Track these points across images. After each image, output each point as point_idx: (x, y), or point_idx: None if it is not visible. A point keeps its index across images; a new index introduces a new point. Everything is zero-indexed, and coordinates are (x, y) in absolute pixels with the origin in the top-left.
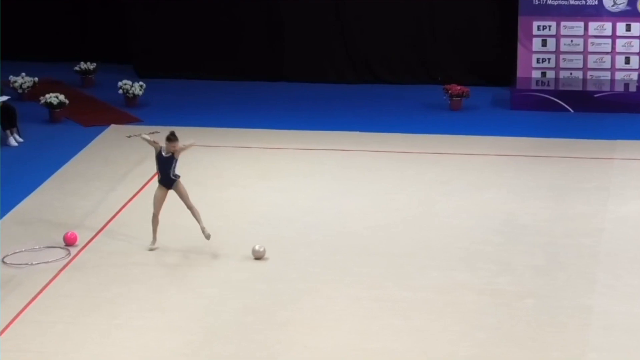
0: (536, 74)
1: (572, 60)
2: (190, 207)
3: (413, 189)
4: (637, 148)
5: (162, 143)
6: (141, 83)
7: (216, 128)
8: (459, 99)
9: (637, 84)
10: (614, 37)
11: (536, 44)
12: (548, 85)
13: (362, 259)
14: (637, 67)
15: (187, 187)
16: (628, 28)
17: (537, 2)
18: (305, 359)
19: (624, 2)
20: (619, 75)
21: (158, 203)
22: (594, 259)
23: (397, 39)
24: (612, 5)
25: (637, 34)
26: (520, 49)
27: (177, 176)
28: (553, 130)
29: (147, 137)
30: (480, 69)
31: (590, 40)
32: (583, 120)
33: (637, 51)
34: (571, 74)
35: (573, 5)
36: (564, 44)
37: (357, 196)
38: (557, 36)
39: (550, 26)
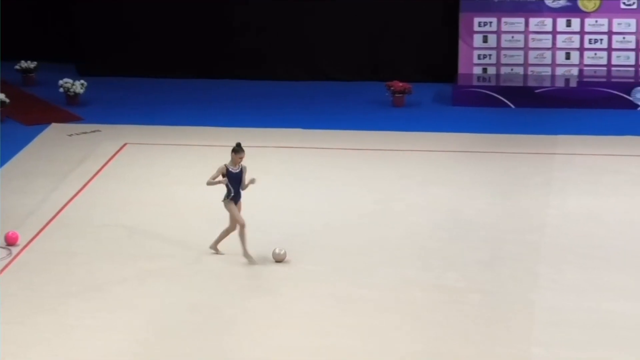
0: (477, 70)
1: (512, 56)
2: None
3: (363, 186)
4: (579, 143)
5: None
6: (82, 81)
7: (162, 126)
8: (401, 95)
9: (577, 79)
10: (554, 32)
11: (477, 40)
12: (489, 81)
13: (315, 257)
14: (577, 62)
15: (134, 184)
16: (568, 24)
17: None
18: (257, 357)
19: None
20: (559, 71)
21: (239, 215)
22: (539, 254)
23: (345, 36)
24: (553, 1)
25: (578, 30)
26: (461, 45)
27: (228, 197)
28: (495, 126)
29: (216, 180)
30: (427, 65)
31: (530, 36)
32: (524, 116)
33: (578, 47)
34: (512, 69)
35: (514, 1)
36: (505, 40)
37: (308, 193)
38: (498, 32)
39: (491, 22)
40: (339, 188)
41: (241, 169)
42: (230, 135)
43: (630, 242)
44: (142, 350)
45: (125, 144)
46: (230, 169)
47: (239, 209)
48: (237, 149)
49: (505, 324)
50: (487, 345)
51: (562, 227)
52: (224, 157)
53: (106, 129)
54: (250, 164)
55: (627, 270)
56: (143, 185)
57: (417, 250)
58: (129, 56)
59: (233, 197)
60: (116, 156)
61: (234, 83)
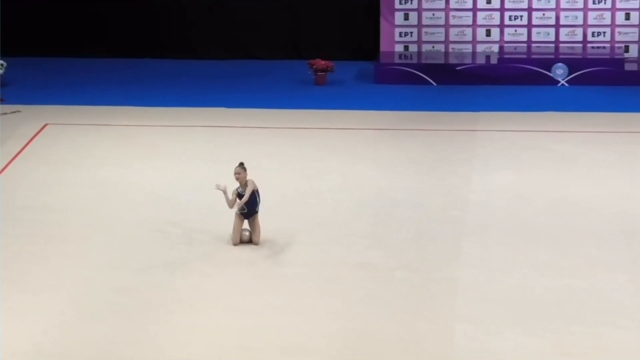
0: (399, 48)
1: (434, 33)
2: (256, 243)
3: (287, 165)
4: (500, 120)
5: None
6: (1, 62)
7: (84, 106)
8: (323, 73)
9: (498, 56)
10: (474, 9)
11: (398, 17)
12: (411, 58)
13: None
14: (498, 39)
15: (56, 165)
16: (489, 0)
17: None
18: (182, 339)
19: None
20: (480, 48)
21: (237, 233)
22: (463, 230)
23: (266, 14)
24: None
25: (498, 7)
26: (383, 23)
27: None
28: (417, 103)
29: (228, 194)
30: (349, 43)
31: (451, 13)
32: (446, 93)
33: (498, 23)
34: (433, 47)
35: None
36: (426, 17)
37: (232, 172)
38: (419, 10)
39: (412, 0)
40: (263, 167)
41: (248, 187)
42: (153, 115)
43: (552, 218)
44: (65, 332)
45: (46, 125)
46: (239, 192)
47: (256, 227)
48: (237, 169)
49: (430, 301)
50: (412, 322)
51: (486, 204)
52: (151, 137)
53: (26, 109)
54: (175, 145)
55: (549, 247)
56: (66, 166)
57: (342, 228)
58: (49, 36)
59: (244, 213)
60: (37, 137)
61: (154, 62)
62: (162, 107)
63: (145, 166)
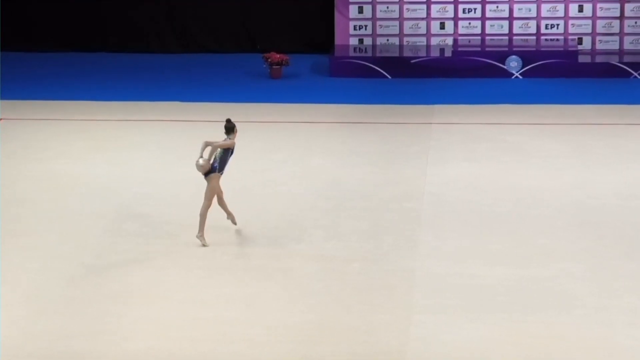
0: (354, 41)
1: (388, 26)
2: (203, 209)
3: (243, 157)
4: (454, 112)
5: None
6: None
7: (39, 101)
8: (278, 67)
9: (452, 49)
10: (428, 2)
11: (353, 11)
12: (365, 52)
13: (194, 229)
14: (452, 32)
15: (11, 160)
16: None
17: None
18: (137, 330)
19: None
20: (434, 41)
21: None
22: (418, 222)
23: (219, 6)
24: None
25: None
26: (337, 16)
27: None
28: (372, 96)
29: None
30: (304, 37)
31: (405, 6)
32: (401, 86)
33: (452, 16)
34: (388, 40)
35: None
36: (380, 11)
37: (188, 166)
38: (373, 3)
39: None
40: None
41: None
42: (108, 109)
43: (507, 208)
44: (20, 326)
45: (0, 120)
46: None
47: (206, 190)
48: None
49: (387, 292)
50: (368, 313)
51: (441, 195)
52: (106, 131)
53: None
54: (130, 138)
55: (504, 237)
56: (21, 161)
57: (298, 220)
58: (2, 30)
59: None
60: None
61: (108, 56)
62: (116, 101)
63: (100, 160)
